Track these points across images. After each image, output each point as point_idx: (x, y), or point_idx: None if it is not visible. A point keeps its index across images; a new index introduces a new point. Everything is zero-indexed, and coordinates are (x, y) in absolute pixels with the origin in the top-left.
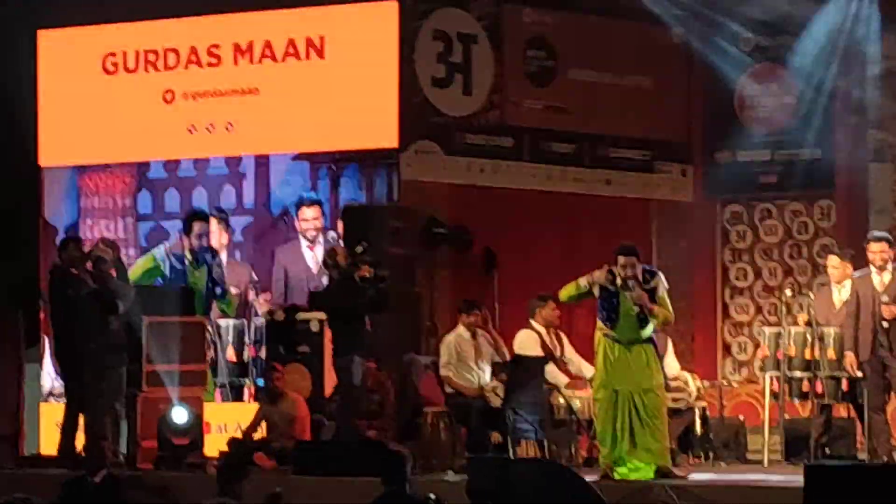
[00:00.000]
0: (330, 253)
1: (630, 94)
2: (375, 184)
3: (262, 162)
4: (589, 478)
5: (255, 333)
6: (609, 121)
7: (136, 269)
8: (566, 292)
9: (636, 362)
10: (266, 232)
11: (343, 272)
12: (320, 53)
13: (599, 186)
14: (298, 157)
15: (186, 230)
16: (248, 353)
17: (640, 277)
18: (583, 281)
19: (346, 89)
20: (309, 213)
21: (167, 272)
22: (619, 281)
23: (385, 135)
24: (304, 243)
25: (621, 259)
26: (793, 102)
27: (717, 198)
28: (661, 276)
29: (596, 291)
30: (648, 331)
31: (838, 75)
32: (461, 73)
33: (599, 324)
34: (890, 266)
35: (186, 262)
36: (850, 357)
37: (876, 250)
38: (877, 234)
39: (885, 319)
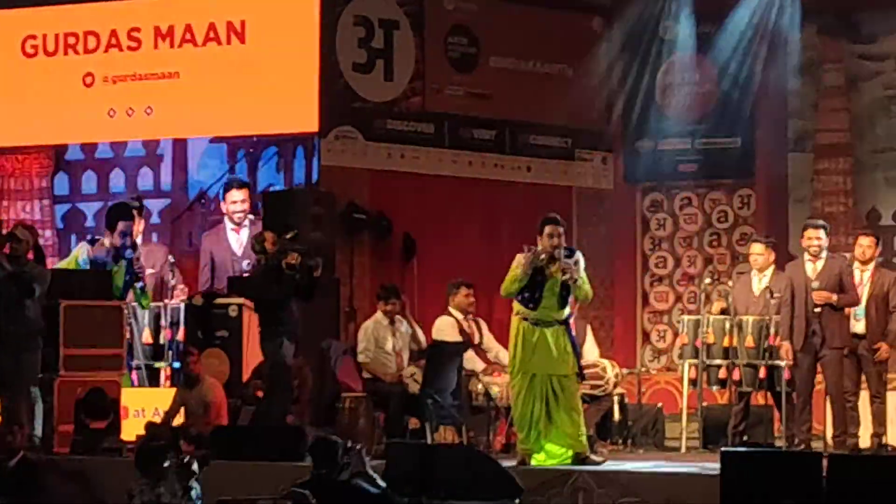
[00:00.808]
0: (258, 237)
1: (551, 81)
2: (294, 167)
3: (180, 144)
4: (507, 464)
5: (172, 315)
6: (530, 108)
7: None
8: (507, 288)
9: (555, 346)
10: (183, 214)
11: (270, 258)
12: (241, 38)
13: (520, 173)
14: (216, 139)
15: (111, 226)
16: (164, 336)
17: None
18: (519, 271)
19: (266, 74)
20: (237, 195)
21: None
22: (543, 256)
23: (306, 120)
24: (229, 226)
25: (549, 228)
26: (714, 91)
27: (637, 186)
28: (580, 253)
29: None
30: (566, 311)
31: (759, 65)
32: (382, 58)
33: (518, 307)
34: (824, 254)
35: (108, 264)
36: (785, 346)
37: (811, 237)
38: (813, 221)
39: (817, 306)
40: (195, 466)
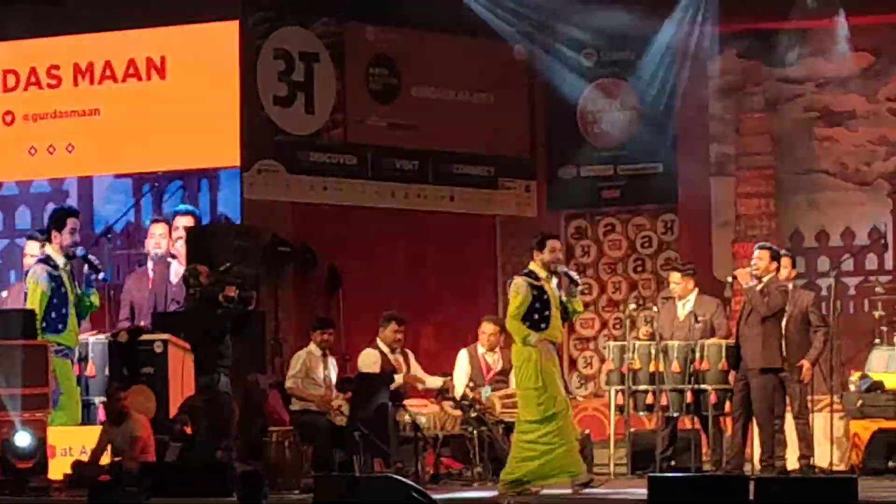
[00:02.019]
0: (192, 271)
1: (473, 110)
2: (199, 200)
3: (85, 180)
4: (436, 495)
5: (80, 351)
6: (452, 137)
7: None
8: (514, 313)
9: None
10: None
11: (206, 291)
12: (161, 74)
13: (444, 203)
14: (121, 174)
15: (59, 227)
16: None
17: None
18: (522, 294)
19: (187, 109)
20: (157, 230)
21: (50, 291)
22: (543, 273)
23: (228, 154)
24: (150, 264)
25: (553, 243)
26: (635, 117)
27: (561, 213)
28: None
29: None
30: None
31: (679, 89)
32: (303, 91)
33: (527, 333)
34: (766, 278)
35: (60, 267)
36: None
37: (753, 257)
38: (761, 243)
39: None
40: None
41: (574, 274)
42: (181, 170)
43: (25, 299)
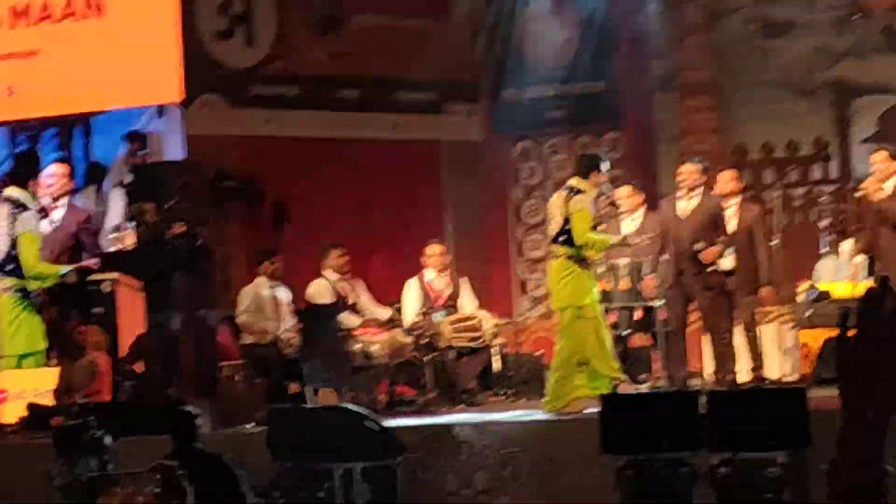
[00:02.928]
0: (138, 210)
1: (414, 36)
2: (74, 145)
3: None
4: (389, 422)
5: None
6: (395, 64)
7: (31, 257)
8: (586, 232)
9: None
10: None
11: (152, 229)
12: (99, 12)
13: (387, 131)
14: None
15: (35, 175)
16: None
17: None
18: (583, 215)
19: (127, 47)
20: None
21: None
22: (592, 193)
23: (168, 90)
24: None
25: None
26: (576, 37)
27: (506, 136)
28: None
29: None
30: None
31: (619, 6)
32: (243, 24)
33: (564, 249)
34: (698, 191)
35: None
36: (649, 282)
37: (683, 172)
38: (688, 157)
39: (694, 248)
40: (108, 440)
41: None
42: (57, 116)
43: None
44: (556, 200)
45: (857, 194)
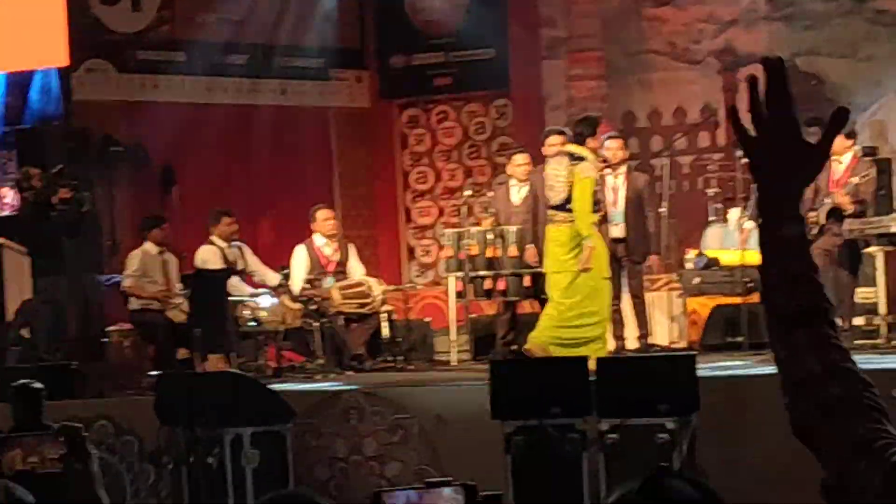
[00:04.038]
0: (24, 175)
1: (302, 2)
2: None
3: None
4: (278, 388)
5: None
6: (283, 31)
7: None
8: (587, 209)
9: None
10: None
11: (39, 194)
12: None
13: (275, 97)
14: None
15: None
16: None
17: None
18: (589, 184)
19: (13, 10)
20: None
21: None
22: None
23: (55, 54)
24: None
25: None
26: (464, 3)
27: (393, 102)
28: None
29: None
30: None
31: None
32: None
33: (586, 216)
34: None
35: None
36: (531, 250)
37: (555, 143)
38: (554, 128)
39: None
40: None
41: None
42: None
43: None
44: (558, 168)
45: None
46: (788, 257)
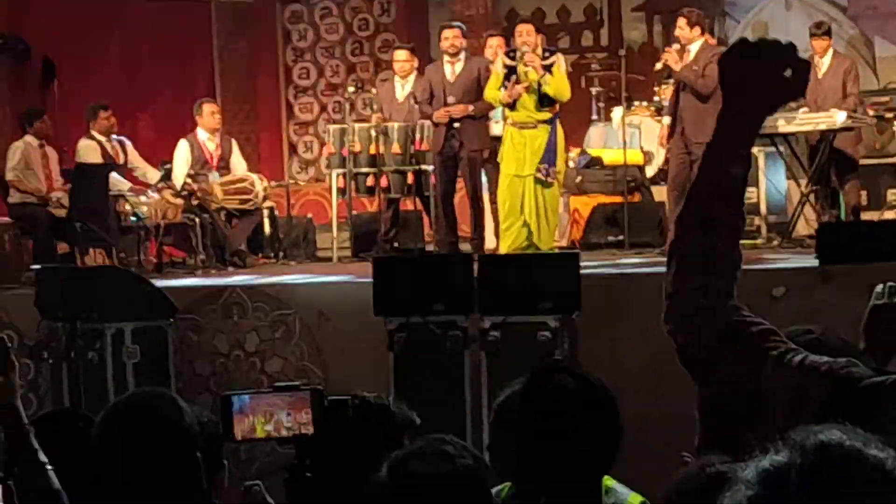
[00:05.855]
0: None
1: None
2: None
3: None
4: (160, 283)
5: None
6: None
7: None
8: (490, 94)
9: (530, 147)
10: None
11: None
12: None
13: None
14: None
15: None
16: None
17: (540, 53)
18: (498, 66)
19: None
20: None
21: None
22: (512, 53)
23: None
24: None
25: (519, 27)
26: None
27: None
28: (561, 56)
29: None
30: (545, 113)
31: None
32: None
33: (506, 112)
34: (462, 55)
35: None
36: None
37: (448, 37)
38: (450, 23)
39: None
40: None
41: (527, 57)
42: None
43: None
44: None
45: (660, 62)
46: (723, 201)
